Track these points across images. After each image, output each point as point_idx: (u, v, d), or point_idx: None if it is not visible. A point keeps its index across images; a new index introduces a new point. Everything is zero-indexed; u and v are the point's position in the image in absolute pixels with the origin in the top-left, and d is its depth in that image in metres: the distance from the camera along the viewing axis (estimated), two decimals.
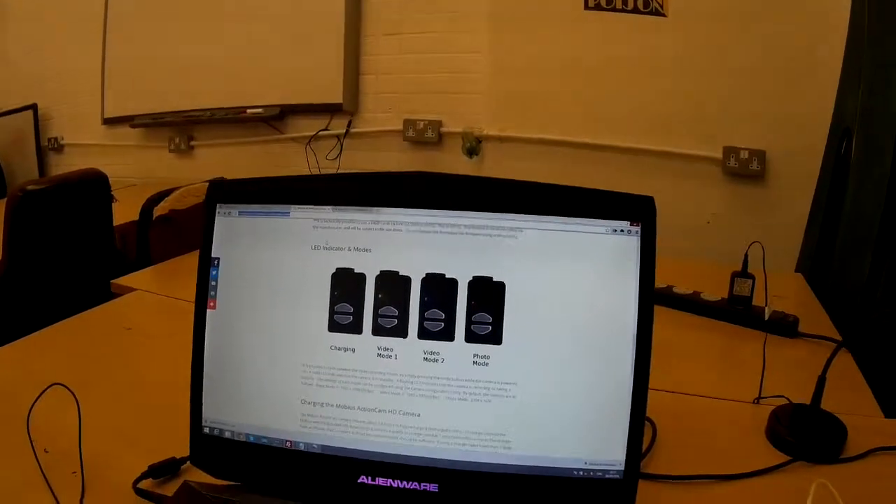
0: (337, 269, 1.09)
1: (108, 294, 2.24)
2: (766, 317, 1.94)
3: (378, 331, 1.08)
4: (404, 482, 1.08)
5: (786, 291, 2.34)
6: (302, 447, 1.12)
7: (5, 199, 3.04)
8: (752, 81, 3.50)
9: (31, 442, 1.24)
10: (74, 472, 1.21)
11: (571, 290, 1.05)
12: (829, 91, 3.03)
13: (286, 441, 1.12)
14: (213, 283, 1.14)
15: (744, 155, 3.58)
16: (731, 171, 3.65)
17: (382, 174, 1.11)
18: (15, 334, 1.80)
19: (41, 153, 5.87)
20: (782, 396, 1.56)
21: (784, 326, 2.00)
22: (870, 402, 1.66)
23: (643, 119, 3.82)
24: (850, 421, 1.46)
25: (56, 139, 5.92)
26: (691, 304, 2.20)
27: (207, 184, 1.16)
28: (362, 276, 1.08)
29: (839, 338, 1.90)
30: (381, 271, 1.08)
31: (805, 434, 1.42)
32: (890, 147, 2.20)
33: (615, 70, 3.85)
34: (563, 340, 1.05)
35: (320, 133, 4.73)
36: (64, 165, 5.77)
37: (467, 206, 1.07)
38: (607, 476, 1.06)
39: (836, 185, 2.65)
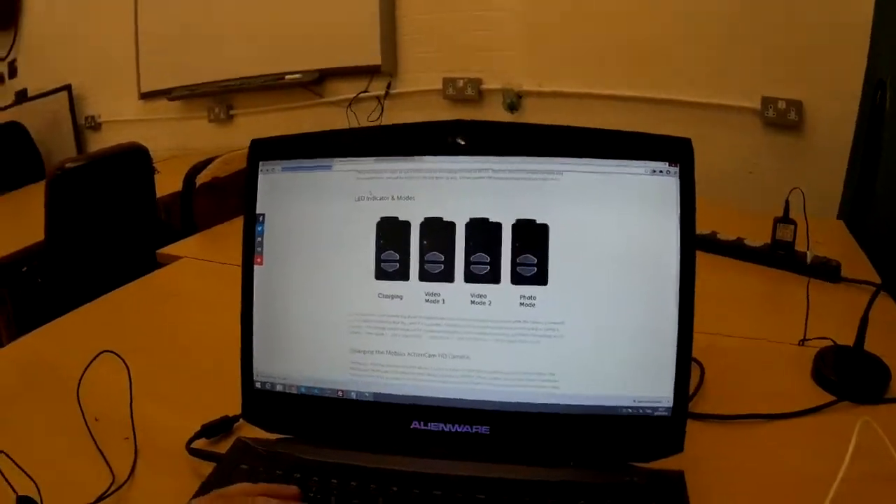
0: (381, 218, 1.10)
1: (154, 265, 2.26)
2: (809, 261, 1.95)
3: (425, 276, 1.09)
4: (456, 425, 1.10)
5: (827, 237, 2.32)
6: (353, 395, 1.13)
7: (45, 181, 3.06)
8: (789, 32, 3.47)
9: (82, 411, 1.26)
10: (127, 438, 1.22)
11: (614, 230, 1.06)
12: (862, 41, 3.02)
13: (338, 391, 1.14)
14: (259, 239, 1.15)
15: (781, 105, 3.56)
16: (769, 122, 3.64)
17: (422, 124, 1.12)
18: (62, 310, 1.82)
19: (78, 133, 5.89)
20: (827, 338, 1.56)
21: (827, 271, 2.00)
22: None
23: (682, 70, 3.81)
24: (893, 363, 1.46)
25: (93, 117, 5.94)
26: (735, 249, 2.20)
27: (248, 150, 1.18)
28: (407, 224, 1.09)
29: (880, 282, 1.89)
30: (426, 218, 1.09)
31: (849, 375, 1.43)
32: None
33: (653, 22, 3.83)
34: (607, 280, 1.06)
35: (360, 95, 4.72)
36: (102, 143, 5.71)
37: (507, 151, 1.08)
38: (656, 413, 1.07)
39: (873, 135, 2.64)
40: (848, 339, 1.47)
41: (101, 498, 1.08)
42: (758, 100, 3.63)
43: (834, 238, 2.43)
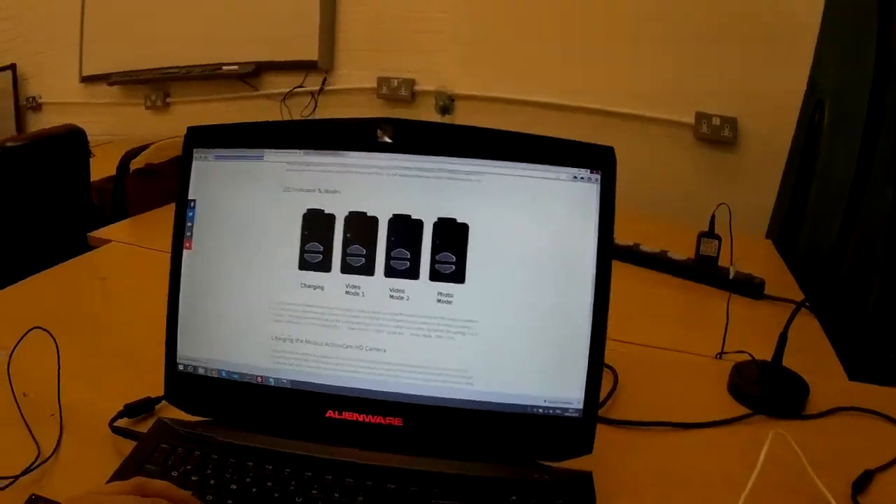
0: (308, 209, 1.12)
1: (84, 247, 2.25)
2: (731, 276, 1.98)
3: (346, 269, 1.11)
4: (370, 416, 1.11)
5: (754, 255, 2.37)
6: (272, 382, 1.15)
7: None
8: (727, 49, 3.50)
9: (12, 386, 1.27)
10: (53, 415, 1.23)
11: (533, 233, 1.08)
12: (803, 61, 3.04)
13: (257, 376, 1.15)
14: (190, 224, 1.16)
15: (716, 121, 3.59)
16: (702, 137, 3.67)
17: (351, 120, 1.13)
18: None
19: (19, 113, 5.85)
20: (745, 352, 1.58)
21: (750, 287, 2.03)
22: (835, 364, 1.70)
23: (616, 82, 3.83)
24: (813, 381, 1.48)
25: (34, 98, 5.88)
26: (658, 261, 2.23)
27: (182, 138, 1.19)
28: (332, 217, 1.11)
29: (807, 303, 1.93)
30: (350, 212, 1.11)
31: (767, 389, 1.45)
32: (862, 118, 2.23)
33: (589, 33, 3.85)
34: (524, 281, 1.08)
35: (295, 90, 4.73)
36: (42, 124, 5.68)
37: (432, 150, 1.10)
38: (566, 414, 1.09)
39: (808, 155, 2.68)
40: (767, 354, 1.50)
41: (26, 471, 1.09)
42: (692, 115, 3.67)
43: (761, 256, 2.49)
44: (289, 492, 1.02)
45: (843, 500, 1.14)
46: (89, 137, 3.36)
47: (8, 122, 5.73)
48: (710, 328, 1.71)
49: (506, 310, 1.09)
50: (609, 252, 1.07)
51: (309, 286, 1.12)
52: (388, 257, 1.10)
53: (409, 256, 1.09)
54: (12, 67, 5.71)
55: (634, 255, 2.26)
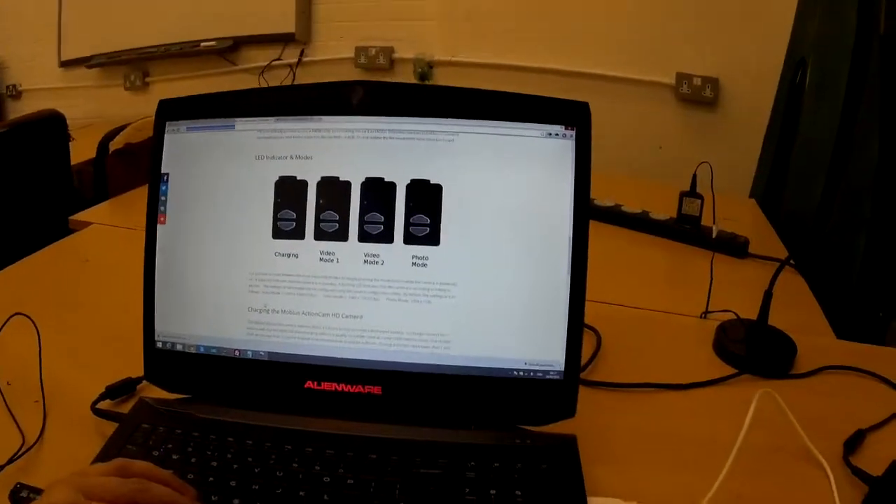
0: (280, 177, 1.11)
1: (66, 231, 2.24)
2: (714, 235, 1.98)
3: (320, 235, 1.10)
4: (349, 385, 1.11)
5: (738, 214, 2.37)
6: (250, 355, 1.14)
7: None
8: (708, 7, 3.52)
9: None
10: (36, 401, 1.23)
11: (508, 192, 1.07)
12: (785, 19, 3.04)
13: (235, 350, 1.14)
14: (163, 198, 1.15)
15: (697, 82, 3.61)
16: (683, 97, 3.69)
17: (322, 84, 1.12)
18: None
19: (0, 102, 5.85)
20: (730, 311, 1.58)
21: (734, 246, 2.03)
22: (822, 323, 1.70)
23: (596, 44, 3.84)
24: (801, 339, 1.48)
25: (14, 86, 5.88)
26: (640, 222, 2.24)
27: None
28: (304, 183, 1.10)
29: (791, 261, 1.92)
30: (322, 177, 1.10)
31: (753, 348, 1.45)
32: (844, 76, 2.23)
33: None
34: (500, 242, 1.07)
35: (273, 63, 4.74)
36: (23, 111, 5.62)
37: (404, 111, 1.09)
38: (548, 377, 1.08)
39: (790, 114, 2.68)
40: (753, 313, 1.49)
41: (11, 460, 1.08)
42: (672, 76, 3.69)
43: (745, 215, 2.49)
44: (269, 466, 1.01)
45: (835, 460, 1.13)
46: (70, 121, 3.36)
47: None
48: (695, 288, 1.70)
49: (482, 271, 1.08)
50: (586, 210, 1.06)
51: (283, 255, 1.11)
52: (362, 222, 1.09)
53: (382, 220, 1.08)
54: None
55: (616, 216, 2.26)
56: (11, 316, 1.26)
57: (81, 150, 3.54)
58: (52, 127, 3.32)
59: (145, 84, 5.27)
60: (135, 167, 3.03)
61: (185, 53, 4.93)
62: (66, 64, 5.49)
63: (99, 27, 5.22)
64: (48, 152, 3.33)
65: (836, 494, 1.05)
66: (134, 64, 5.23)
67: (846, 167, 2.22)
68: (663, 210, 2.22)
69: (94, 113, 5.21)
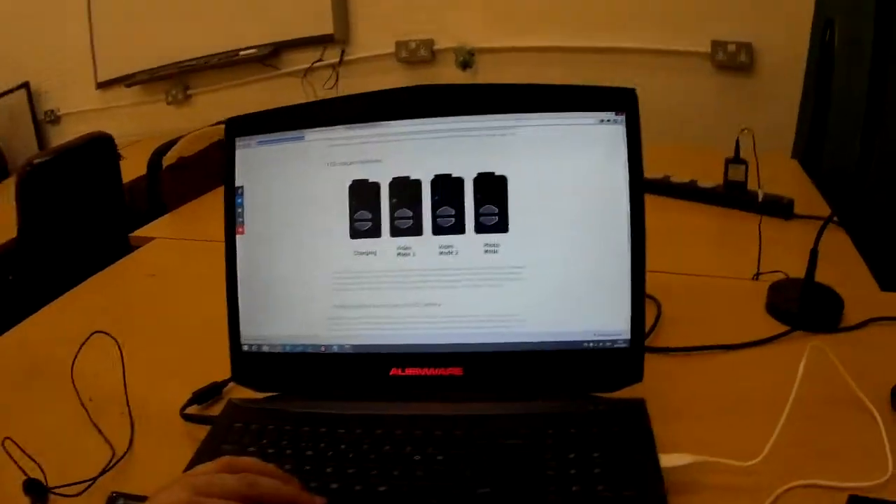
0: (353, 181, 1.18)
1: (127, 249, 2.27)
2: (760, 199, 2.01)
3: (396, 232, 1.17)
4: (432, 369, 1.18)
5: (781, 176, 2.39)
6: (336, 349, 1.21)
7: (13, 178, 3.08)
8: None
9: (77, 392, 1.32)
10: (122, 413, 1.27)
11: (567, 177, 1.13)
12: None
13: (321, 346, 1.21)
14: (240, 209, 1.22)
15: (731, 48, 3.62)
16: (720, 64, 3.70)
17: (385, 91, 1.19)
18: (40, 304, 1.83)
19: (39, 128, 5.86)
20: (780, 272, 1.63)
21: (780, 208, 2.06)
22: (866, 276, 1.73)
23: (632, 18, 3.85)
24: (847, 293, 1.51)
25: (52, 111, 5.90)
26: (688, 191, 2.27)
27: (212, 128, 1.26)
28: (376, 185, 1.17)
29: (835, 217, 1.96)
30: (394, 178, 1.17)
31: (802, 305, 1.48)
32: (870, 34, 2.25)
33: None
34: (563, 224, 1.14)
35: (315, 65, 4.76)
36: (63, 136, 5.68)
37: (464, 111, 1.15)
38: (615, 346, 1.14)
39: (823, 74, 2.70)
40: (801, 272, 1.52)
41: (104, 471, 1.13)
42: (707, 43, 3.70)
43: (788, 176, 2.51)
44: (363, 451, 1.07)
45: (884, 406, 1.17)
46: (115, 140, 3.40)
47: (29, 140, 5.76)
48: (745, 252, 1.74)
49: (549, 253, 1.14)
50: (640, 188, 1.12)
51: (362, 253, 1.19)
52: (434, 216, 1.16)
53: (453, 213, 1.15)
54: (26, 85, 5.74)
55: (665, 188, 2.30)
56: (92, 334, 1.32)
57: (131, 168, 3.59)
58: (100, 148, 3.37)
59: (187, 97, 5.31)
60: (188, 180, 3.06)
61: (225, 63, 4.97)
62: (102, 85, 5.54)
63: (133, 46, 5.27)
64: (99, 174, 3.38)
65: (885, 437, 1.09)
66: (174, 78, 5.27)
67: (882, 121, 2.24)
68: (710, 177, 2.25)
69: (137, 130, 5.23)
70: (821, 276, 1.51)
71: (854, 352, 1.32)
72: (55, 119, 5.93)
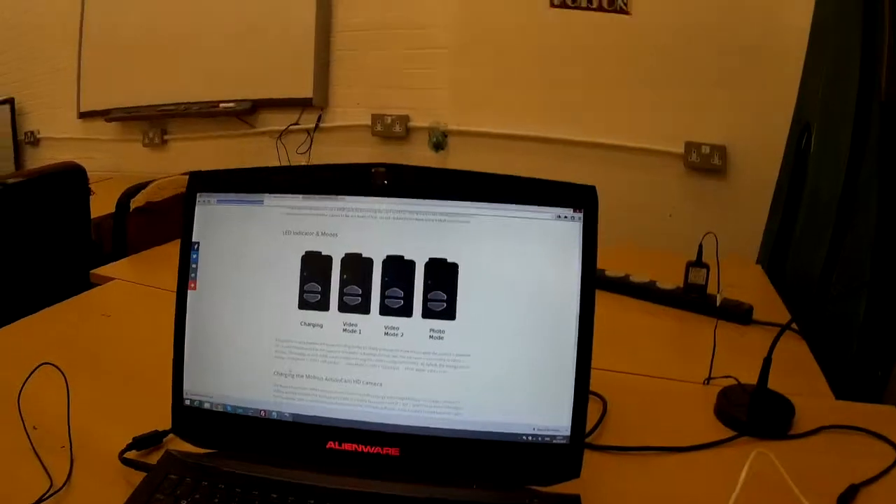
0: (306, 251, 1.18)
1: (85, 284, 2.29)
2: (718, 303, 2.02)
3: (343, 308, 1.17)
4: (368, 447, 1.17)
5: (744, 281, 2.41)
6: (275, 416, 1.20)
7: None
8: (715, 78, 3.56)
9: (23, 420, 1.31)
10: (63, 447, 1.27)
11: (520, 271, 1.13)
12: (790, 87, 3.08)
13: (260, 410, 1.20)
14: (194, 265, 1.22)
15: (705, 150, 3.65)
16: (692, 166, 3.73)
17: (348, 165, 1.19)
18: None
19: (17, 147, 5.88)
20: (731, 377, 1.63)
21: (738, 314, 2.07)
22: (822, 385, 1.73)
23: (607, 115, 3.88)
24: (800, 402, 1.52)
25: (33, 133, 5.92)
26: (647, 291, 2.27)
27: (182, 176, 1.25)
28: (329, 258, 1.17)
29: (794, 325, 1.96)
30: (346, 254, 1.17)
31: (752, 410, 1.48)
32: (847, 140, 2.27)
33: (579, 67, 3.91)
34: (512, 316, 1.13)
35: (291, 127, 4.79)
36: (40, 159, 5.79)
37: (423, 194, 1.16)
38: (555, 441, 1.14)
39: (796, 179, 2.71)
40: (755, 378, 1.53)
41: (39, 501, 1.13)
42: (681, 144, 3.73)
43: (751, 282, 2.51)
44: None
45: None
46: (87, 173, 3.40)
47: (7, 157, 5.76)
48: (699, 355, 1.74)
49: (495, 344, 1.14)
50: (592, 286, 1.12)
51: (308, 324, 1.18)
52: (383, 296, 1.16)
53: (402, 295, 1.15)
54: (10, 101, 5.75)
55: (625, 286, 2.29)
56: (40, 365, 1.33)
57: (101, 204, 3.58)
58: (72, 179, 3.35)
59: (164, 141, 5.32)
60: (155, 225, 3.06)
61: (204, 113, 4.99)
62: (84, 115, 5.54)
63: (119, 81, 5.29)
64: (68, 204, 3.36)
65: None
66: (153, 121, 5.28)
67: (848, 232, 2.26)
68: (671, 279, 2.26)
69: (112, 166, 5.26)
70: (775, 384, 1.51)
71: (802, 459, 1.32)
72: (35, 141, 5.93)
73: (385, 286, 1.16)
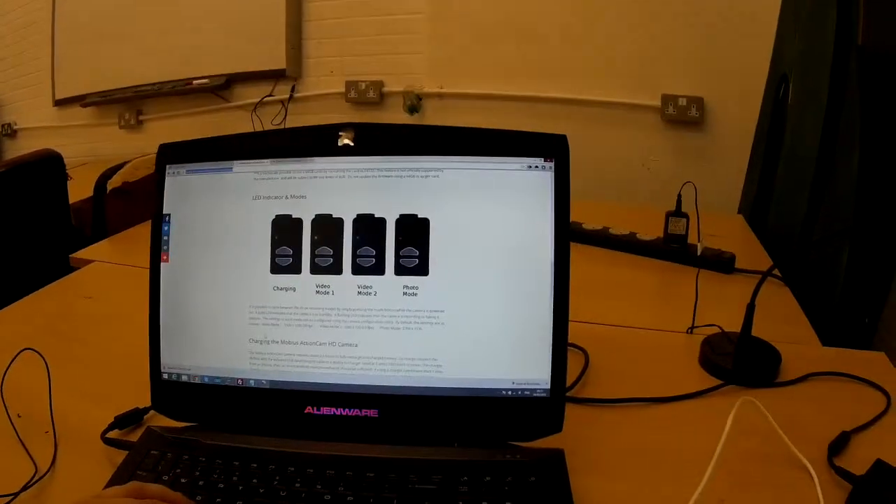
0: (276, 215, 1.17)
1: (67, 269, 2.27)
2: (699, 253, 2.01)
3: (316, 270, 1.16)
4: (347, 409, 1.16)
5: (725, 231, 2.41)
6: (252, 384, 1.19)
7: None
8: (690, 29, 3.53)
9: (6, 407, 1.30)
10: (47, 432, 1.26)
11: (492, 223, 1.13)
12: (766, 37, 3.05)
13: (238, 379, 1.19)
14: (166, 238, 1.21)
15: (682, 102, 3.62)
16: (669, 119, 3.70)
17: (315, 127, 1.18)
18: None
19: None
20: (715, 325, 1.62)
21: (720, 263, 2.06)
22: (808, 332, 1.72)
23: (582, 70, 3.85)
24: (786, 349, 1.51)
25: (9, 125, 5.90)
26: (627, 244, 2.26)
27: (157, 154, 1.23)
28: (299, 221, 1.16)
29: (777, 272, 1.96)
30: (316, 215, 1.15)
31: (737, 359, 1.48)
32: (825, 90, 2.26)
33: (553, 23, 3.87)
34: (486, 270, 1.13)
35: (265, 99, 4.76)
36: (19, 150, 5.68)
37: (390, 151, 1.15)
38: (535, 395, 1.13)
39: (775, 129, 2.71)
40: (738, 326, 1.52)
41: (24, 488, 1.12)
42: (658, 97, 3.70)
43: (732, 231, 2.52)
44: (273, 487, 1.06)
45: (820, 463, 1.16)
46: (66, 160, 3.38)
47: None
48: (681, 306, 1.73)
49: (470, 298, 1.13)
50: (566, 236, 1.12)
51: (281, 288, 1.17)
52: (355, 255, 1.15)
53: (374, 254, 1.14)
54: None
55: (604, 239, 2.28)
56: (21, 351, 1.31)
57: (79, 189, 3.56)
58: (50, 167, 3.33)
59: (139, 122, 5.29)
60: (132, 205, 3.05)
61: (179, 91, 4.95)
62: (60, 103, 5.51)
63: (92, 66, 5.26)
64: (47, 192, 3.35)
65: (820, 495, 1.07)
66: (128, 103, 5.25)
67: (829, 179, 2.25)
68: (651, 231, 2.25)
69: (89, 151, 5.23)
70: (761, 331, 1.51)
71: (790, 406, 1.32)
72: (12, 133, 5.91)
73: (356, 245, 1.15)
